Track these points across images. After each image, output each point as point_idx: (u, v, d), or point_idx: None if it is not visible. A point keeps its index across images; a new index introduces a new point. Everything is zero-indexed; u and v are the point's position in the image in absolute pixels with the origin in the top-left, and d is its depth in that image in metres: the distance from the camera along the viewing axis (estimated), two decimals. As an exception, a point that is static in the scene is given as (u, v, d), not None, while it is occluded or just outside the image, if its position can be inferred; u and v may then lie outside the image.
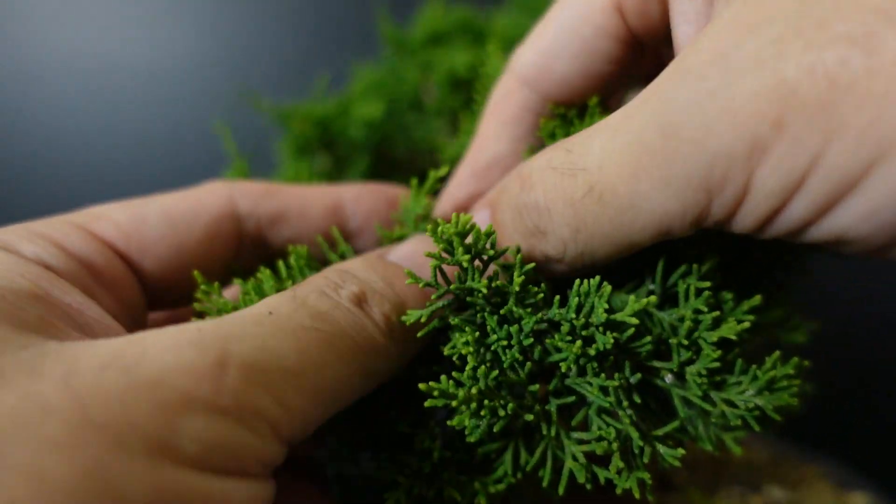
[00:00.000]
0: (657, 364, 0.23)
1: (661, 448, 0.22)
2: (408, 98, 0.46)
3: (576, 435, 0.22)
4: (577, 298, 0.22)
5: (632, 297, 0.22)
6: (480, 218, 0.25)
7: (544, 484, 0.22)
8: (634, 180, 0.19)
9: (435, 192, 0.29)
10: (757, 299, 0.23)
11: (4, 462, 0.15)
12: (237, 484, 0.18)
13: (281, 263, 0.26)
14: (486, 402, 0.21)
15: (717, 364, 0.22)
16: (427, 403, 0.21)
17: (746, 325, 0.22)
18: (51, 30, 0.71)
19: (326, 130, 0.43)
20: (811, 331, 0.27)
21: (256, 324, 0.19)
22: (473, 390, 0.21)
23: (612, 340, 0.21)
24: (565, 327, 0.22)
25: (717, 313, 0.22)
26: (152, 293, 0.26)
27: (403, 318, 0.22)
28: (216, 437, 0.17)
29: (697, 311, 0.22)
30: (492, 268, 0.23)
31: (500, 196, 0.24)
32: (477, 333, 0.22)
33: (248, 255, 0.29)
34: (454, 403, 0.21)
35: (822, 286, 0.61)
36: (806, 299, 0.28)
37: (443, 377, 0.21)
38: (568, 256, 0.22)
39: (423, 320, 0.22)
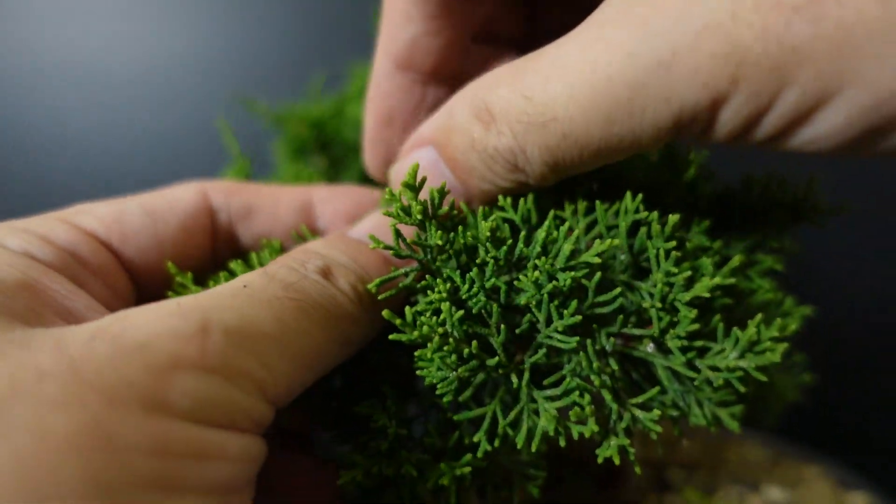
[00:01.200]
0: (636, 332, 0.23)
1: (639, 413, 0.22)
2: (404, 98, 0.46)
3: (548, 392, 0.22)
4: (543, 234, 0.23)
5: (597, 240, 0.23)
6: (424, 157, 0.25)
7: (518, 445, 0.22)
8: (608, 126, 0.21)
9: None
10: (736, 260, 0.23)
11: (8, 422, 0.16)
12: (230, 436, 0.19)
13: (254, 255, 0.27)
14: (450, 341, 0.22)
15: (696, 326, 0.22)
16: (392, 337, 0.22)
17: (718, 280, 0.22)
18: (45, 30, 0.71)
19: (321, 132, 0.43)
20: (811, 330, 0.27)
21: (233, 296, 0.20)
22: (439, 330, 0.22)
23: (570, 279, 0.22)
24: (530, 266, 0.22)
25: (688, 272, 0.22)
26: (137, 284, 0.27)
27: (369, 286, 0.23)
28: (206, 393, 0.18)
29: (669, 274, 0.23)
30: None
31: (451, 137, 0.24)
32: (448, 285, 0.23)
33: (221, 249, 0.30)
34: (415, 335, 0.22)
35: (822, 285, 0.61)
36: (806, 299, 0.27)
37: (407, 315, 0.22)
38: (547, 181, 0.24)
39: (390, 285, 0.23)
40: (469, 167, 0.24)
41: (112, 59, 0.72)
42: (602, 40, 0.20)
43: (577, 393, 0.22)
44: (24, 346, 0.17)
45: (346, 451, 0.25)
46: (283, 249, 0.27)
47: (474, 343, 0.22)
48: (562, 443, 0.22)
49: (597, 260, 0.22)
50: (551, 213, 0.24)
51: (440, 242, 0.22)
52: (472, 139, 0.23)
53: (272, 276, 0.22)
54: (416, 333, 0.22)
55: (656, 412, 0.21)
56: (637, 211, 0.24)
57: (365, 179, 0.44)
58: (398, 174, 0.26)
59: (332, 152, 0.44)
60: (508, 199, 0.24)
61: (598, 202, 0.24)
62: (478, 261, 0.23)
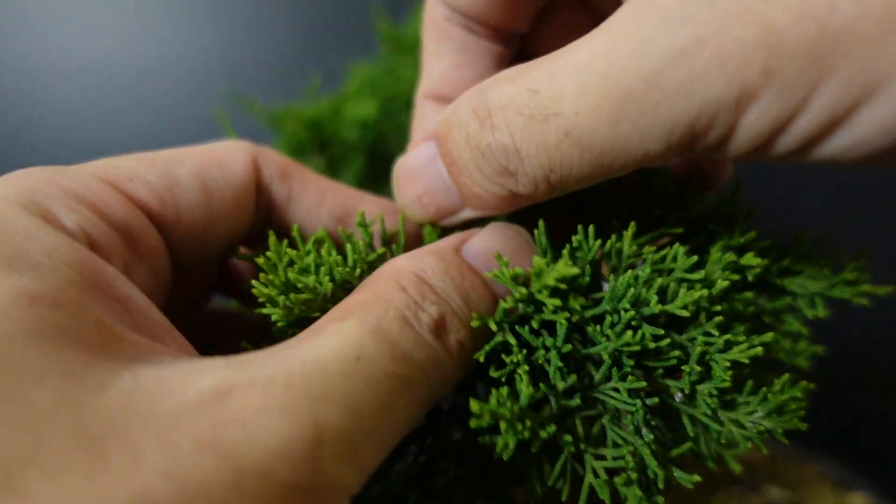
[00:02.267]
0: (670, 382, 0.22)
1: (677, 472, 0.21)
2: (403, 96, 0.46)
3: (594, 451, 0.22)
4: (623, 286, 0.21)
5: (682, 287, 0.21)
6: (424, 151, 0.24)
7: (563, 497, 0.21)
8: (616, 125, 0.19)
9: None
10: (769, 336, 0.22)
11: None
12: None
13: (309, 256, 0.23)
14: (527, 421, 0.20)
15: (728, 384, 0.21)
16: (472, 424, 0.19)
17: (759, 350, 0.21)
18: (44, 30, 0.71)
19: (319, 131, 0.42)
20: (812, 332, 0.26)
21: (344, 375, 0.17)
22: (515, 408, 0.20)
23: (661, 331, 0.20)
24: (609, 319, 0.21)
25: (728, 336, 0.21)
26: (176, 263, 0.24)
27: (473, 323, 0.21)
28: None
29: (708, 334, 0.22)
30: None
31: (451, 131, 0.22)
32: (524, 351, 0.21)
33: (256, 227, 0.27)
34: (503, 425, 0.19)
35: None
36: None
37: (492, 396, 0.20)
38: (538, 193, 0.22)
39: (491, 339, 0.21)
40: (462, 164, 0.22)
41: (109, 58, 0.72)
42: (619, 34, 0.18)
43: (628, 455, 0.21)
44: (129, 451, 0.14)
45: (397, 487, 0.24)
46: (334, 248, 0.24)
47: (552, 428, 0.20)
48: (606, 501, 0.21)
49: (685, 313, 0.21)
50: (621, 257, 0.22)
51: (557, 303, 0.20)
52: (468, 134, 0.21)
53: (384, 336, 0.19)
54: (506, 412, 0.19)
55: (696, 477, 0.20)
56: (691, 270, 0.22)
57: (364, 179, 0.44)
58: (400, 167, 0.25)
59: (331, 152, 0.44)
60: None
61: (678, 245, 0.23)
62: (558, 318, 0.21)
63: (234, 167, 0.25)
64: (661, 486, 0.21)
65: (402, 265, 0.21)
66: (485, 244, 0.23)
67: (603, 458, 0.21)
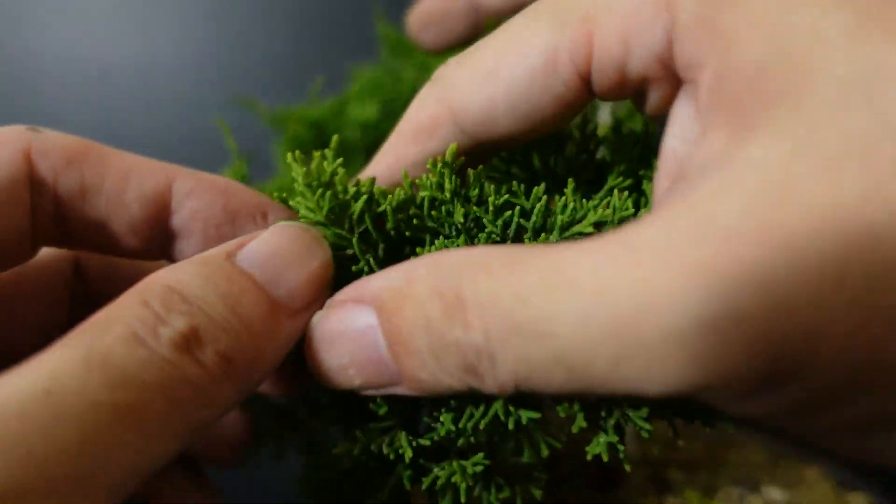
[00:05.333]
0: None
1: (630, 411, 0.21)
2: (405, 98, 0.46)
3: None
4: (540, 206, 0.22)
5: (590, 210, 0.22)
6: (356, 317, 0.20)
7: (470, 424, 0.22)
8: (615, 365, 0.16)
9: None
10: None
11: None
12: None
13: None
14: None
15: None
16: None
17: None
18: (45, 30, 0.72)
19: (322, 133, 0.43)
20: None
21: (21, 417, 0.15)
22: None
23: None
24: (527, 239, 0.22)
25: None
26: None
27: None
28: None
29: None
30: None
31: (403, 307, 0.19)
32: None
33: (46, 233, 0.23)
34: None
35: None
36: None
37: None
38: (501, 393, 0.19)
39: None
40: (413, 349, 0.19)
41: (111, 60, 0.72)
42: (630, 268, 0.16)
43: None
44: None
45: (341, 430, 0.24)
46: None
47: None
48: (510, 427, 0.21)
49: (591, 230, 0.21)
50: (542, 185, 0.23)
51: (461, 220, 0.21)
52: (429, 321, 0.18)
53: (100, 363, 0.16)
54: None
55: (644, 409, 0.21)
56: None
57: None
58: (319, 327, 0.21)
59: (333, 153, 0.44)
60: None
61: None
62: (482, 235, 0.21)
63: None
64: (612, 422, 0.21)
65: (156, 276, 0.19)
66: (265, 247, 0.21)
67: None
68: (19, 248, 0.23)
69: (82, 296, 0.26)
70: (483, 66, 0.22)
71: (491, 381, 0.18)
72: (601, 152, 0.26)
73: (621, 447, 0.21)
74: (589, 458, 0.21)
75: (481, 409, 0.22)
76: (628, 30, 0.20)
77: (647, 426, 0.21)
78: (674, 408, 0.22)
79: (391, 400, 0.24)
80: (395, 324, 0.19)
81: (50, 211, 0.23)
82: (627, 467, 0.22)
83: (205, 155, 0.58)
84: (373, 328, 0.20)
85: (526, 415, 0.21)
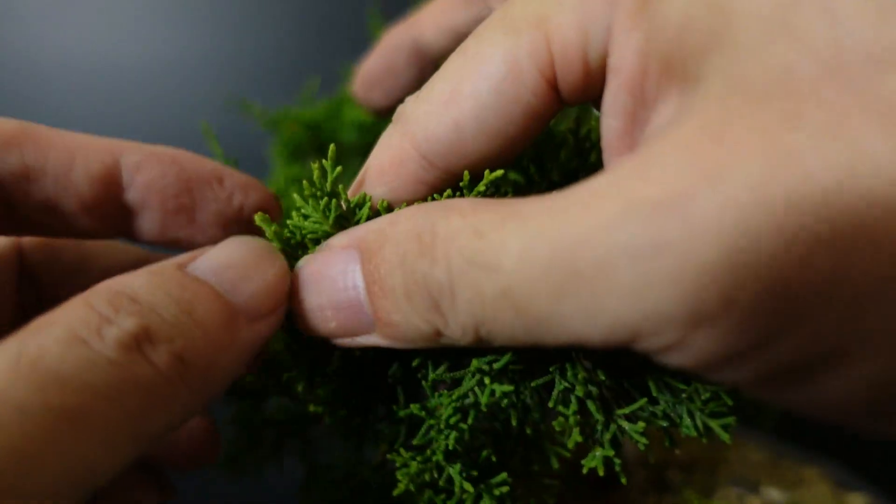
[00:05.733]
0: None
1: (625, 424, 0.21)
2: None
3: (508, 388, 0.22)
4: None
5: None
6: (339, 259, 0.21)
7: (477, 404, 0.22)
8: (555, 300, 0.17)
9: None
10: None
11: None
12: None
13: None
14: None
15: None
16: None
17: None
18: (43, 30, 0.71)
19: (317, 134, 0.42)
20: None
21: None
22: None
23: None
24: None
25: None
26: None
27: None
28: None
29: None
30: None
31: (384, 246, 0.20)
32: None
33: None
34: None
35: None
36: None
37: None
38: (463, 341, 0.19)
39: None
40: (389, 287, 0.19)
41: (107, 61, 0.72)
42: (580, 206, 0.17)
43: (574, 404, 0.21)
44: None
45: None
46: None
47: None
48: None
49: None
50: None
51: None
52: (404, 258, 0.19)
53: (31, 364, 0.15)
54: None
55: (641, 424, 0.21)
56: None
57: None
58: (304, 267, 0.22)
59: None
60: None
61: None
62: None
63: None
64: (608, 436, 0.21)
65: (105, 282, 0.19)
66: (218, 259, 0.21)
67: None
68: None
69: (30, 292, 0.26)
70: (442, 93, 0.22)
71: (453, 321, 0.19)
72: (594, 156, 0.26)
73: (618, 461, 0.21)
74: (584, 471, 0.21)
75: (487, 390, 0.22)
76: (583, 17, 0.20)
77: (643, 440, 0.21)
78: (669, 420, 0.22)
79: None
80: (375, 263, 0.20)
81: None
82: (623, 480, 0.22)
83: (201, 154, 0.58)
84: (354, 270, 0.20)
85: (500, 389, 0.21)
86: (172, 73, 0.71)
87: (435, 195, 0.23)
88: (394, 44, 0.36)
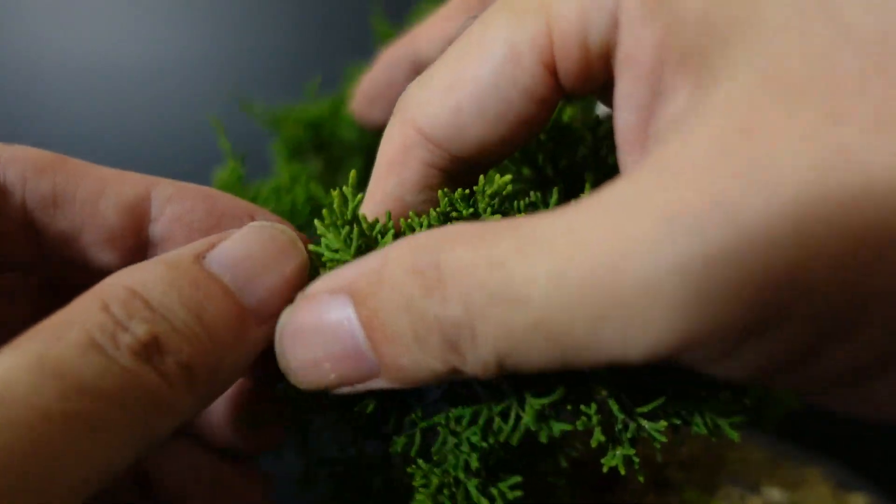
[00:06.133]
0: None
1: (646, 423, 0.21)
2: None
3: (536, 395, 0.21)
4: None
5: None
6: (330, 307, 0.19)
7: (501, 438, 0.21)
8: (594, 326, 0.16)
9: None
10: None
11: None
12: None
13: None
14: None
15: None
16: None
17: None
18: (44, 29, 0.71)
19: (318, 132, 0.42)
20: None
21: None
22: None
23: None
24: None
25: None
26: None
27: None
28: None
29: None
30: None
31: (380, 291, 0.18)
32: None
33: (14, 244, 0.23)
34: None
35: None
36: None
37: None
38: (483, 375, 0.18)
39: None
40: (394, 334, 0.18)
41: (109, 60, 0.72)
42: (609, 221, 0.15)
43: (559, 393, 0.21)
44: None
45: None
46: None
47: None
48: (542, 439, 0.21)
49: None
50: None
51: None
52: (408, 300, 0.18)
53: (54, 369, 0.16)
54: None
55: (663, 423, 0.21)
56: None
57: (362, 180, 0.44)
58: (289, 323, 0.20)
59: (330, 153, 0.44)
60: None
61: None
62: None
63: None
64: (629, 435, 0.21)
65: (117, 278, 0.19)
66: (236, 250, 0.20)
67: (542, 395, 0.21)
68: None
69: (47, 285, 0.26)
70: (444, 77, 0.21)
71: (472, 358, 0.18)
72: (613, 159, 0.26)
73: (636, 459, 0.21)
74: (605, 469, 0.21)
75: (510, 423, 0.21)
76: (586, 3, 0.19)
77: (663, 438, 0.21)
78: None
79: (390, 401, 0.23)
80: (373, 308, 0.18)
81: (18, 219, 0.22)
82: (641, 478, 0.22)
83: (200, 154, 0.58)
84: (348, 318, 0.19)
85: (557, 427, 0.21)
86: (174, 71, 0.71)
87: (446, 190, 0.22)
88: (393, 58, 0.36)
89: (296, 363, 0.20)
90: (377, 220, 0.22)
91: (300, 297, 0.21)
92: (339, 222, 0.22)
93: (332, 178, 0.43)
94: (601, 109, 0.39)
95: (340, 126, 0.43)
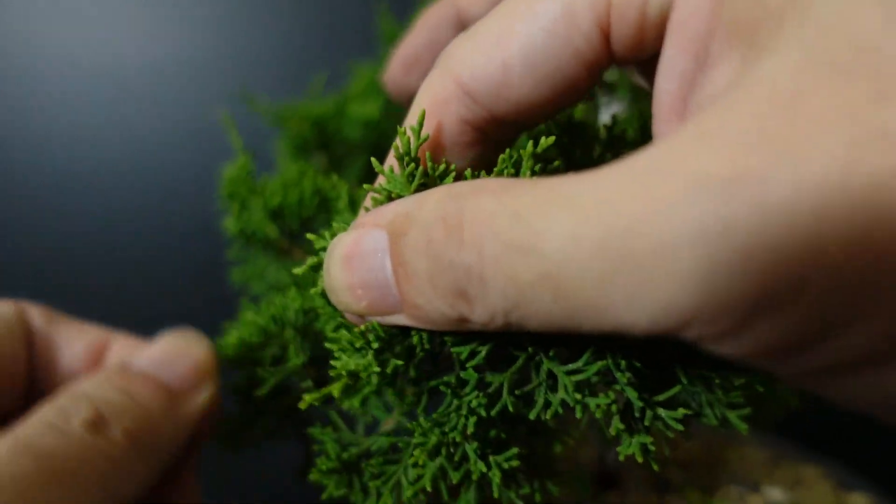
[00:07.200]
0: None
1: (662, 412, 0.21)
2: (406, 96, 0.46)
3: (570, 367, 0.21)
4: None
5: None
6: (371, 238, 0.20)
7: (531, 415, 0.21)
8: (603, 285, 0.16)
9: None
10: None
11: None
12: None
13: None
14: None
15: None
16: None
17: None
18: (46, 29, 0.72)
19: (323, 130, 0.43)
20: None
21: None
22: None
23: None
24: None
25: None
26: None
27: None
28: None
29: None
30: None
31: (410, 229, 0.19)
32: None
33: (40, 378, 0.28)
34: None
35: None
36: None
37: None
38: (491, 326, 0.19)
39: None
40: (412, 271, 0.19)
41: (112, 58, 0.72)
42: (634, 184, 0.15)
43: (594, 369, 0.21)
44: None
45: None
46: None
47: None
48: (579, 415, 0.21)
49: None
50: None
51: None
52: (429, 242, 0.18)
53: (24, 444, 0.21)
54: None
55: (681, 410, 0.20)
56: None
57: (365, 178, 0.44)
58: (338, 247, 0.22)
59: (334, 151, 0.44)
60: None
61: None
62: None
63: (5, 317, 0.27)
64: (647, 423, 0.21)
65: (68, 389, 0.25)
66: (152, 351, 0.27)
67: (577, 372, 0.21)
68: (16, 390, 0.28)
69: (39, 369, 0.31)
70: (492, 32, 0.21)
71: (480, 307, 0.18)
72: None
73: (653, 448, 0.21)
74: (621, 458, 0.21)
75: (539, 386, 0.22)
76: None
77: (680, 427, 0.21)
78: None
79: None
80: (400, 246, 0.19)
81: (43, 356, 0.28)
82: (655, 466, 0.22)
83: (207, 151, 0.58)
84: (382, 250, 0.20)
85: (593, 402, 0.21)
86: (179, 68, 0.71)
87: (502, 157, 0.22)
88: (436, 18, 0.35)
89: (335, 283, 0.22)
90: (444, 162, 0.22)
91: (352, 226, 0.22)
92: (405, 159, 0.22)
93: (336, 174, 0.44)
94: (605, 116, 0.40)
95: (345, 124, 0.43)
